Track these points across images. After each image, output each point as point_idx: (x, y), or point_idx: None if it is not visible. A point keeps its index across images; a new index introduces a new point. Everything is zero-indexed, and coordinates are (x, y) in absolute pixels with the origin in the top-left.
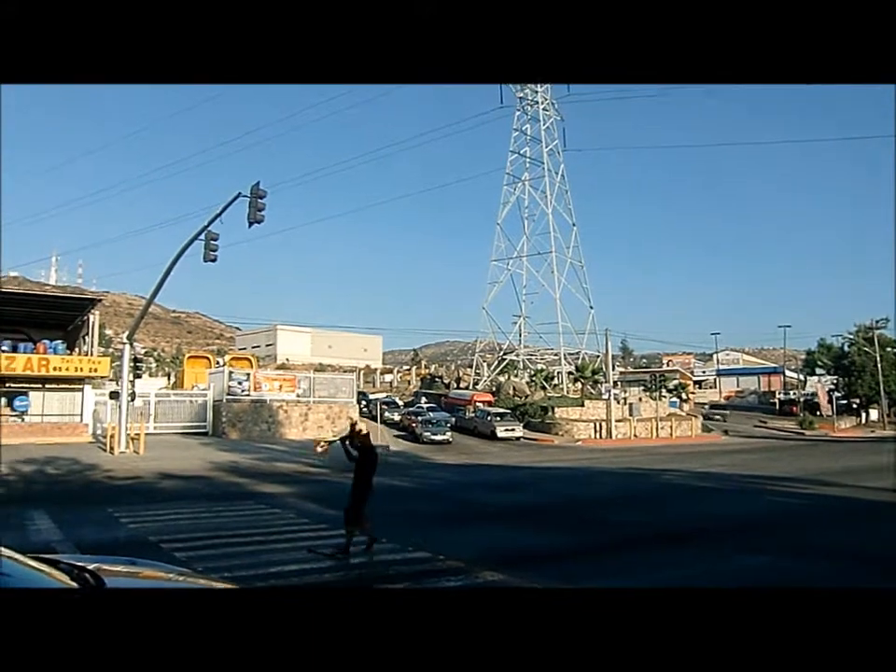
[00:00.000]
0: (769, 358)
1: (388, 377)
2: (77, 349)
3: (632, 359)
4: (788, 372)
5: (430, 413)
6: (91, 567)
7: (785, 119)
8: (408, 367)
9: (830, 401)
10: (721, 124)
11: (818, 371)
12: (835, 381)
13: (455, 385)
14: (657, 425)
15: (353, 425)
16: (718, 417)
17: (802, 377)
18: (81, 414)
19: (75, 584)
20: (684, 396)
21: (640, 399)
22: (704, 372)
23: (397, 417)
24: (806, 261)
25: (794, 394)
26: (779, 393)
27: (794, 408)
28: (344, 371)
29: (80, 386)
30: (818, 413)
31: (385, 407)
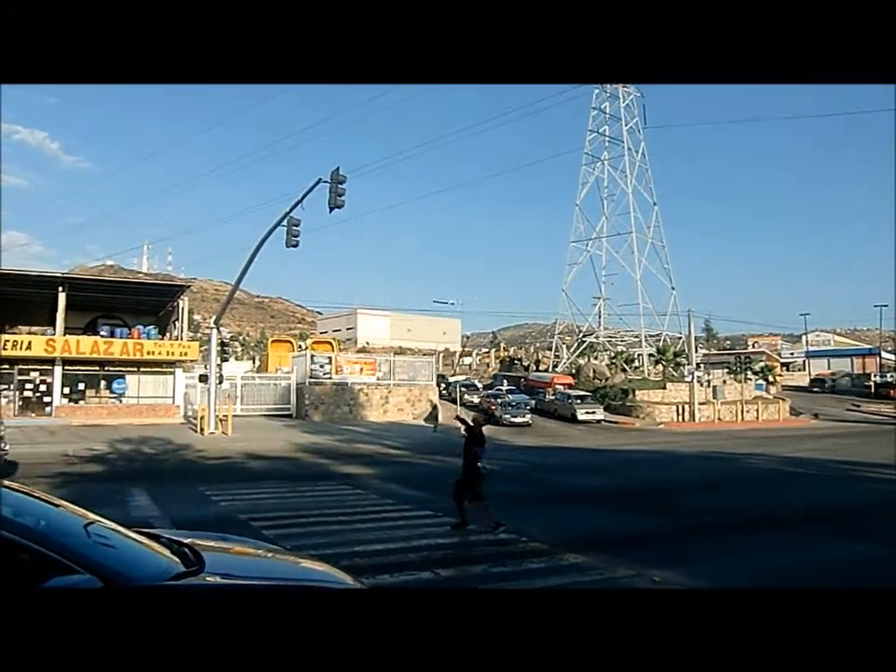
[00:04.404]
0: (863, 340)
1: (467, 360)
2: (167, 334)
3: (715, 341)
4: (884, 354)
5: (510, 396)
6: (186, 541)
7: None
8: (487, 349)
9: None
10: (815, 94)
11: None
12: None
13: (535, 368)
14: (742, 408)
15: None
16: (816, 389)
17: None
18: (173, 396)
19: (176, 558)
20: (771, 378)
21: (724, 382)
22: (792, 354)
23: (476, 400)
24: None
25: (892, 376)
26: (875, 375)
27: (892, 391)
28: (424, 354)
29: (172, 370)
30: None
31: (464, 389)
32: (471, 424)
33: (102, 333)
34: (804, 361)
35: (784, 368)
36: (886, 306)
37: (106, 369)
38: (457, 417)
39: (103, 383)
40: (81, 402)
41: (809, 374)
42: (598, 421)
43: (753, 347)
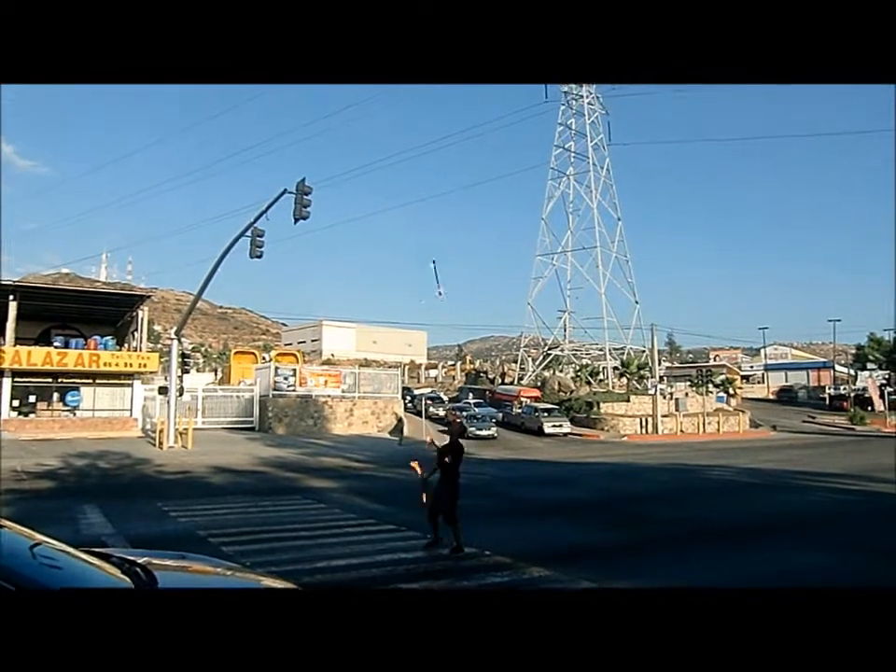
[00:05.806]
0: (819, 353)
1: (433, 372)
2: (126, 345)
3: (678, 354)
4: (838, 367)
5: (476, 409)
6: (141, 560)
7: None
8: (452, 362)
9: (882, 396)
10: (776, 115)
11: (868, 365)
12: (887, 376)
13: (500, 381)
14: (704, 420)
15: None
16: (785, 399)
17: (852, 372)
18: (131, 409)
19: (126, 578)
20: (731, 391)
21: (687, 395)
22: (751, 367)
23: (441, 412)
24: (856, 254)
25: (845, 389)
26: (829, 388)
27: (845, 403)
28: (389, 367)
29: (130, 382)
30: (869, 408)
31: (429, 402)
32: (448, 431)
33: (56, 344)
34: (762, 374)
35: (744, 380)
36: (839, 321)
37: (60, 381)
38: (431, 442)
39: (56, 395)
40: (32, 415)
41: (768, 387)
42: (565, 434)
43: (715, 360)
